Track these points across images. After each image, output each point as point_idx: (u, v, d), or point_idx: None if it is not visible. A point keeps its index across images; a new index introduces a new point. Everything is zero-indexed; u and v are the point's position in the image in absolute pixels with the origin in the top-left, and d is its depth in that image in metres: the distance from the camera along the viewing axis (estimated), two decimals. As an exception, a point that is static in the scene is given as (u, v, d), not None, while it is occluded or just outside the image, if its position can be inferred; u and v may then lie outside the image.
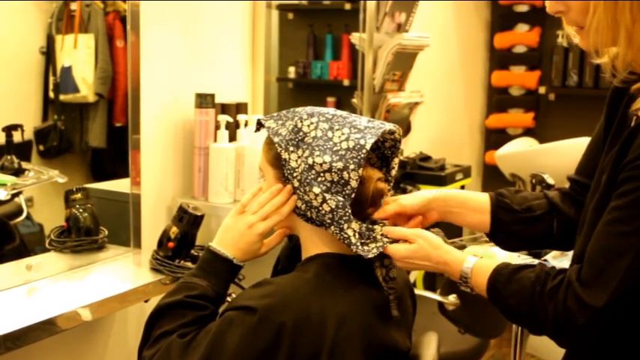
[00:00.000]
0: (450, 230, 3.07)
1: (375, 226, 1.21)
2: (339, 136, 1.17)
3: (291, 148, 1.18)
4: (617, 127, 1.07)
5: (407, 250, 1.17)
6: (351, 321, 1.13)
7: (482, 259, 1.14)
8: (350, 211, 1.15)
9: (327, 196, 1.14)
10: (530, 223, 1.27)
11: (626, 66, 0.99)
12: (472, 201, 1.32)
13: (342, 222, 1.15)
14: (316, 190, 1.15)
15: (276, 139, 1.19)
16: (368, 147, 1.15)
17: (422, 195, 1.32)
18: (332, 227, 1.16)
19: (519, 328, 2.02)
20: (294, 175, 1.18)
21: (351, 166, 1.14)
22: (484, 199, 1.31)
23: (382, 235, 1.19)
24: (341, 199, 1.14)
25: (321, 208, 1.16)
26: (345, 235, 1.15)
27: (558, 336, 1.05)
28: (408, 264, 1.18)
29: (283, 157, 1.18)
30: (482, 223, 1.31)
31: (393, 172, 1.27)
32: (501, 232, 1.30)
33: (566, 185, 1.32)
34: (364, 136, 1.16)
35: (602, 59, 1.03)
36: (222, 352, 1.08)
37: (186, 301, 1.18)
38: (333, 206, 1.15)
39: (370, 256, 1.16)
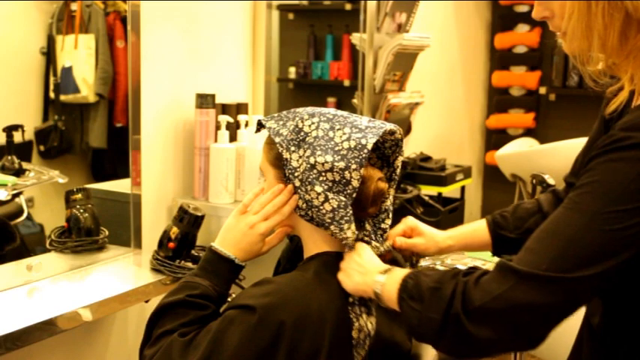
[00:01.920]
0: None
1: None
2: (341, 136, 1.17)
3: (293, 148, 1.18)
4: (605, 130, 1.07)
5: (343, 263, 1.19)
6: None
7: (398, 269, 1.11)
8: (351, 211, 1.16)
9: (330, 195, 1.15)
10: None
11: (603, 70, 1.01)
12: (474, 242, 1.39)
13: (343, 222, 1.15)
14: (318, 189, 1.15)
15: (277, 139, 1.20)
16: (369, 147, 1.15)
17: (435, 245, 1.39)
18: (332, 227, 1.16)
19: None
20: (296, 174, 1.18)
21: (353, 166, 1.14)
22: (484, 234, 1.38)
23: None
24: (343, 199, 1.15)
25: (322, 207, 1.16)
26: (345, 236, 1.15)
27: (467, 314, 0.93)
28: (343, 272, 1.18)
29: (285, 157, 1.19)
30: (488, 250, 1.39)
31: (398, 171, 1.28)
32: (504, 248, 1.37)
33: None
34: (365, 135, 1.16)
35: (596, 66, 1.03)
36: (223, 351, 1.08)
37: (188, 300, 1.18)
38: (335, 206, 1.15)
39: None
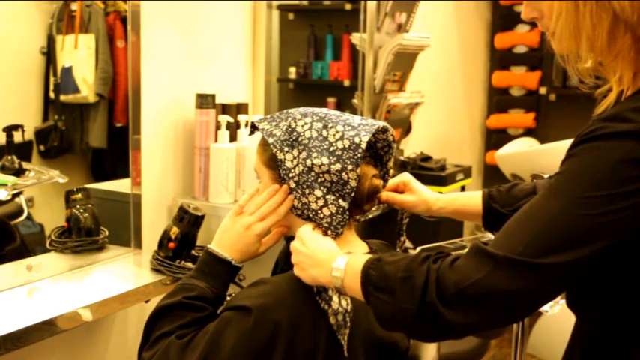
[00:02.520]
0: (451, 230, 3.08)
1: None
2: (334, 134, 1.17)
3: (286, 149, 1.18)
4: None
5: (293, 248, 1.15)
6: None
7: (356, 256, 1.06)
8: (348, 216, 1.17)
9: (329, 199, 1.15)
10: None
11: (590, 71, 1.02)
12: (466, 209, 1.39)
13: (339, 227, 1.18)
14: (318, 193, 1.16)
15: (270, 140, 1.20)
16: (364, 146, 1.16)
17: (425, 203, 1.38)
18: (329, 232, 1.18)
19: (520, 328, 2.02)
20: (290, 175, 1.18)
21: (349, 167, 1.15)
22: (477, 202, 1.38)
23: None
24: (342, 203, 1.16)
25: (319, 212, 1.17)
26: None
27: (444, 302, 0.91)
28: (296, 266, 1.14)
29: (279, 157, 1.19)
30: (479, 222, 1.39)
31: (391, 173, 1.29)
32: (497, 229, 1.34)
33: None
34: (359, 133, 1.17)
35: (585, 64, 1.04)
36: (220, 352, 1.09)
37: (185, 302, 1.19)
38: (333, 211, 1.17)
39: None
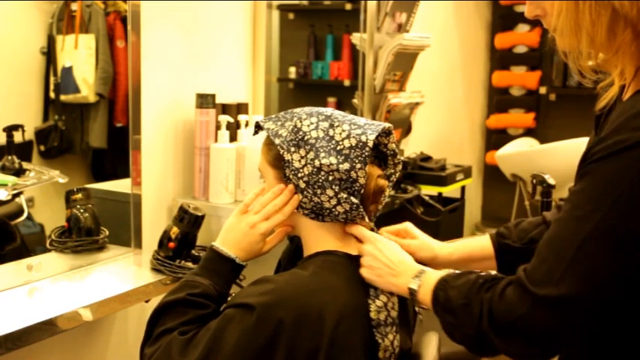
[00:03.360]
0: (451, 230, 3.07)
1: None
2: (340, 133, 1.18)
3: (293, 149, 1.18)
4: None
5: (364, 249, 1.21)
6: (349, 317, 1.14)
7: (430, 272, 1.15)
8: (362, 210, 1.19)
9: (342, 196, 1.17)
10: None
11: (592, 67, 1.02)
12: (475, 252, 1.38)
13: (357, 220, 1.21)
14: (330, 192, 1.17)
15: (277, 141, 1.20)
16: (370, 144, 1.16)
17: (430, 249, 1.37)
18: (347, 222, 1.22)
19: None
20: (300, 175, 1.19)
21: (358, 166, 1.16)
22: (486, 245, 1.37)
23: None
24: (354, 200, 1.17)
25: (334, 210, 1.19)
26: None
27: (496, 333, 0.99)
28: (371, 270, 1.19)
29: (286, 158, 1.19)
30: (492, 269, 1.36)
31: (398, 168, 1.29)
32: (512, 272, 1.33)
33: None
34: (365, 132, 1.18)
35: (588, 60, 1.05)
36: (222, 349, 1.09)
37: (188, 299, 1.19)
38: (347, 208, 1.18)
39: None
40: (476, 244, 1.38)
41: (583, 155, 0.98)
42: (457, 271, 1.11)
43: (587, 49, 0.99)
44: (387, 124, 1.22)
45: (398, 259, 1.18)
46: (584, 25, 0.96)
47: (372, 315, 1.16)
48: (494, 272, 1.11)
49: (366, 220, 1.21)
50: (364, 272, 1.19)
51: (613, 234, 0.91)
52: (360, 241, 1.23)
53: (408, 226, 1.40)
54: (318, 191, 1.17)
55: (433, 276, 1.12)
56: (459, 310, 1.04)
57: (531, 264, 0.98)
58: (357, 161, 1.16)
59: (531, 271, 0.97)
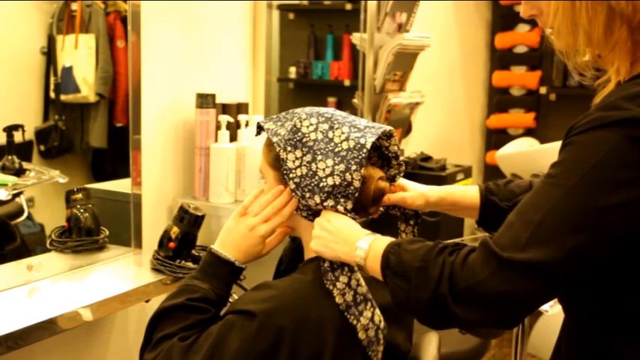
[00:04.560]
0: (451, 230, 3.07)
1: None
2: (339, 135, 1.17)
3: (289, 148, 1.18)
4: None
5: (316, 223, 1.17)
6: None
7: (379, 238, 1.09)
8: (354, 216, 1.17)
9: (328, 204, 1.15)
10: None
11: (589, 64, 1.04)
12: (463, 201, 1.38)
13: None
14: (317, 199, 1.16)
15: (274, 139, 1.19)
16: (368, 146, 1.15)
17: (422, 196, 1.35)
18: None
19: (520, 328, 2.02)
20: (291, 176, 1.18)
21: (353, 167, 1.14)
22: (474, 195, 1.37)
23: None
24: (346, 204, 1.15)
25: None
26: None
27: (454, 298, 0.94)
28: (318, 240, 1.16)
29: (282, 156, 1.18)
30: (474, 217, 1.38)
31: (402, 169, 1.28)
32: (491, 227, 1.34)
33: None
34: (364, 135, 1.16)
35: (584, 57, 1.05)
36: (223, 356, 1.08)
37: (188, 304, 1.18)
38: None
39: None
40: (465, 194, 1.38)
41: (567, 130, 0.99)
42: (411, 238, 1.08)
43: (584, 47, 0.99)
44: (388, 127, 1.21)
45: (343, 225, 1.13)
46: (581, 23, 0.97)
47: (337, 300, 1.12)
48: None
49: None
50: (312, 244, 1.16)
51: (584, 202, 0.90)
52: None
53: (400, 202, 1.36)
54: (307, 195, 1.17)
55: (382, 241, 1.06)
56: (414, 272, 0.98)
57: (500, 230, 0.96)
58: (352, 163, 1.14)
59: (499, 236, 0.95)
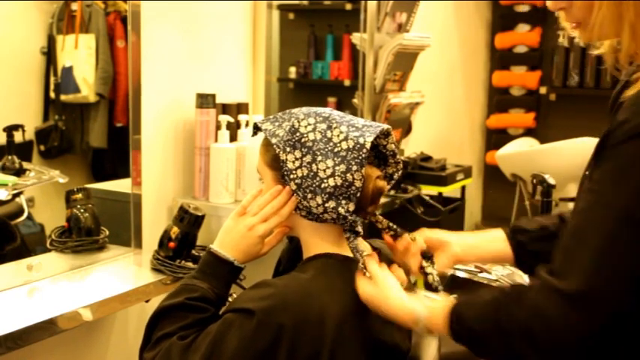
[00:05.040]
0: (451, 230, 3.07)
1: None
2: (338, 135, 1.17)
3: (289, 149, 1.18)
4: None
5: (364, 292, 1.15)
6: (350, 320, 1.13)
7: (432, 302, 1.09)
8: (352, 219, 1.17)
9: (331, 205, 1.16)
10: (547, 239, 1.25)
11: (629, 58, 1.02)
12: (487, 238, 1.34)
13: (355, 226, 1.19)
14: (319, 199, 1.16)
15: (273, 140, 1.20)
16: (368, 146, 1.15)
17: (448, 248, 1.32)
18: (350, 236, 1.19)
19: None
20: (292, 177, 1.18)
21: (354, 167, 1.15)
22: (499, 232, 1.34)
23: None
24: (349, 205, 1.16)
25: (321, 216, 1.19)
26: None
27: (538, 346, 0.91)
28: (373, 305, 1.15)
29: (281, 157, 1.18)
30: (504, 251, 1.32)
31: (399, 167, 1.28)
32: (524, 254, 1.30)
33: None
34: (363, 134, 1.17)
35: (600, 50, 1.06)
36: (222, 354, 1.08)
37: (187, 303, 1.18)
38: (334, 217, 1.18)
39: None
40: (497, 251, 1.33)
41: (601, 138, 0.96)
42: (463, 298, 1.06)
43: (627, 41, 0.99)
44: (386, 126, 1.22)
45: (390, 299, 1.11)
46: (627, 17, 0.97)
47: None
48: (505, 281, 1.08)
49: (358, 227, 1.20)
50: (367, 302, 1.14)
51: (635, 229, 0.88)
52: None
53: (441, 238, 1.32)
54: (309, 195, 1.17)
55: (437, 311, 1.05)
56: (491, 341, 0.97)
57: (555, 259, 0.94)
58: (353, 163, 1.14)
59: (559, 269, 0.92)
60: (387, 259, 1.26)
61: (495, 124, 4.57)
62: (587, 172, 1.02)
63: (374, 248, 1.26)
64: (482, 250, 1.33)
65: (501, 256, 1.33)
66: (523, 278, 1.74)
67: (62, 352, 1.78)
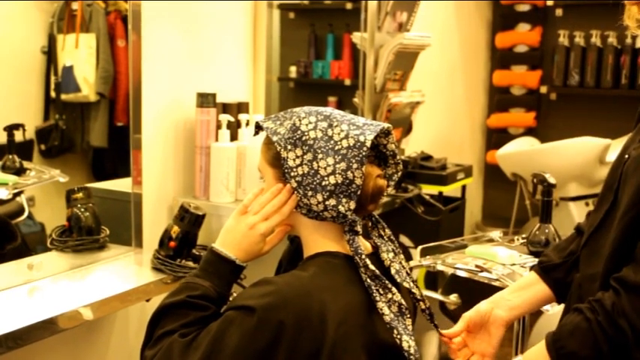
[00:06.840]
0: (451, 229, 3.07)
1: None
2: (339, 133, 1.18)
3: (289, 147, 1.18)
4: None
5: None
6: (350, 318, 1.14)
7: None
8: (351, 217, 1.17)
9: (331, 203, 1.16)
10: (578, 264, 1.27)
11: None
12: (524, 288, 1.36)
13: (354, 225, 1.19)
14: (319, 197, 1.16)
15: (275, 138, 1.20)
16: (368, 144, 1.16)
17: (495, 319, 1.37)
18: (348, 234, 1.19)
19: (520, 328, 2.02)
20: (292, 174, 1.18)
21: (354, 165, 1.15)
22: (532, 276, 1.35)
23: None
24: (342, 209, 1.16)
25: (321, 214, 1.19)
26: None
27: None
28: None
29: (282, 155, 1.19)
30: (543, 293, 1.34)
31: (399, 168, 1.28)
32: (563, 287, 1.32)
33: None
34: (363, 132, 1.17)
35: None
36: (222, 352, 1.09)
37: (189, 301, 1.19)
38: (334, 215, 1.18)
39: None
40: (538, 299, 1.35)
41: None
42: (552, 332, 1.11)
43: None
44: (387, 125, 1.22)
45: None
46: None
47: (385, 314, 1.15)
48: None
49: (358, 227, 1.20)
50: None
51: None
52: None
53: (481, 310, 1.36)
54: (309, 193, 1.17)
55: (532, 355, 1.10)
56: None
57: (630, 267, 1.00)
58: (354, 161, 1.15)
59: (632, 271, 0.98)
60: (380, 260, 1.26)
61: (496, 123, 4.56)
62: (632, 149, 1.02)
63: (374, 247, 1.26)
64: (526, 305, 1.36)
65: (544, 300, 1.35)
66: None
67: (63, 352, 1.78)
